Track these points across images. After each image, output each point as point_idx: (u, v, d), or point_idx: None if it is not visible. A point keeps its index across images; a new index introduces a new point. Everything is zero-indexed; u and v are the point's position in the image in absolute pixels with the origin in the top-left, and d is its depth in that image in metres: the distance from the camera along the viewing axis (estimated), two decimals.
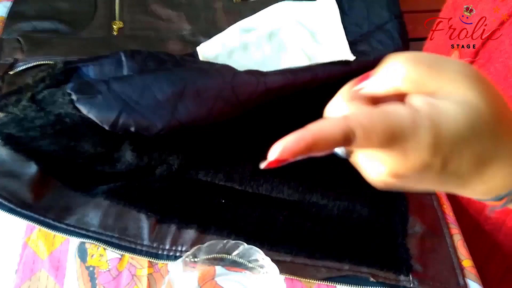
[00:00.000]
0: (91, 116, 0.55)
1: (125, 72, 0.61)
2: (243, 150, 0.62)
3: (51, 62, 0.69)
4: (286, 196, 0.58)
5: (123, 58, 0.62)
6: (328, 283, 0.53)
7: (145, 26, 0.79)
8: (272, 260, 0.51)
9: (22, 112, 0.56)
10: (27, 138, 0.56)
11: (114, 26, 0.78)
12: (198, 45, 0.76)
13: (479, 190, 0.31)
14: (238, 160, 0.60)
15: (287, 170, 0.59)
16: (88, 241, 0.55)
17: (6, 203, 0.55)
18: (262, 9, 0.83)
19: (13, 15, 0.78)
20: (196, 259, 0.52)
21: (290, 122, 0.65)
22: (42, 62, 0.69)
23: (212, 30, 0.79)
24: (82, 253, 0.54)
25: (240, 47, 0.73)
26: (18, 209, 0.55)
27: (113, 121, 0.55)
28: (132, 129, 0.55)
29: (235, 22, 0.81)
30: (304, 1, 0.79)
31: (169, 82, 0.57)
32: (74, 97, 0.55)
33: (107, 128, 0.55)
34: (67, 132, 0.56)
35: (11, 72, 0.69)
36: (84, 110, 0.55)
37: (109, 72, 0.61)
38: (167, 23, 0.80)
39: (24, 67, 0.69)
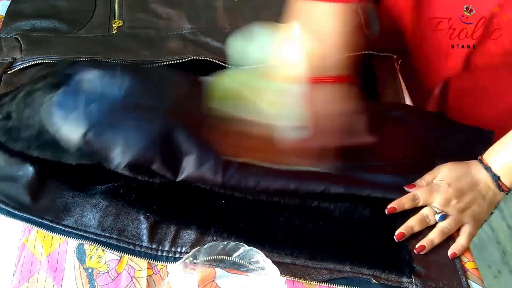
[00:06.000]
0: (62, 131, 0.54)
1: (116, 84, 0.58)
2: None
3: (50, 61, 0.68)
4: (287, 201, 0.57)
5: (119, 72, 0.60)
6: (329, 285, 0.52)
7: (145, 25, 0.78)
8: (273, 261, 0.51)
9: (17, 111, 0.56)
10: (17, 148, 0.57)
11: (114, 25, 0.77)
12: (198, 44, 0.75)
13: None
14: None
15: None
16: (86, 242, 0.54)
17: (3, 206, 0.55)
18: (263, 8, 0.82)
19: (12, 14, 0.77)
20: (196, 261, 0.51)
21: None
22: (41, 61, 0.69)
23: (212, 29, 0.78)
24: (81, 255, 0.54)
25: None
26: (16, 212, 0.55)
27: (79, 139, 0.54)
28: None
29: (235, 21, 0.80)
30: None
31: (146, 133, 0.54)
32: (53, 112, 0.54)
33: (76, 145, 0.54)
34: (50, 145, 0.55)
35: (9, 72, 0.68)
36: (58, 126, 0.54)
37: (108, 80, 0.59)
38: (167, 21, 0.79)
39: (22, 66, 0.68)
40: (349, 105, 0.56)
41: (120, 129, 0.54)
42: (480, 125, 0.65)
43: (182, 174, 0.55)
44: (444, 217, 0.55)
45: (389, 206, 0.56)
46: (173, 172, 0.56)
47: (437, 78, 0.73)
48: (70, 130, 0.54)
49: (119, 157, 0.54)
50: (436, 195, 0.56)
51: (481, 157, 0.58)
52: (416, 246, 0.54)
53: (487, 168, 0.56)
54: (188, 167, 0.55)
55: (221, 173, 0.55)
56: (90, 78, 0.58)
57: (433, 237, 0.55)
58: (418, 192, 0.56)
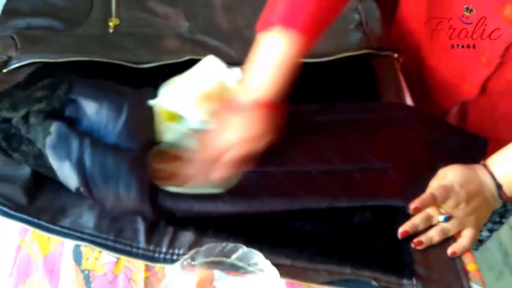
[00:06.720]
0: (58, 175, 0.54)
1: (119, 124, 0.56)
2: None
3: (45, 60, 0.67)
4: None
5: (125, 109, 0.57)
6: (329, 287, 0.51)
7: (142, 23, 0.78)
8: (272, 263, 0.50)
9: (17, 125, 0.55)
10: (16, 157, 0.56)
11: (110, 23, 0.77)
12: (196, 43, 0.75)
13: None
14: None
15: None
16: (83, 243, 0.54)
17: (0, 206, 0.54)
18: (261, 6, 0.82)
19: (8, 12, 0.77)
20: (194, 263, 0.51)
21: None
22: (37, 60, 0.68)
23: (210, 27, 0.78)
24: (77, 256, 0.53)
25: None
26: (12, 212, 0.54)
27: (75, 189, 0.54)
28: None
29: (234, 19, 0.79)
30: None
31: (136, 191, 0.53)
32: (48, 152, 0.53)
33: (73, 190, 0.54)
34: (47, 167, 0.55)
35: (4, 70, 0.67)
36: (54, 167, 0.54)
37: (106, 115, 0.56)
38: (165, 20, 0.79)
39: (18, 65, 0.68)
40: (254, 132, 0.55)
41: (113, 184, 0.53)
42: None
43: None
44: (448, 219, 0.55)
45: (412, 206, 0.53)
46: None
47: (452, 101, 0.72)
48: (65, 178, 0.54)
49: (110, 207, 0.54)
50: (450, 195, 0.54)
51: (484, 162, 0.57)
52: (414, 240, 0.54)
53: (491, 175, 0.56)
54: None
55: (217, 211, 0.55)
56: (86, 113, 0.56)
57: (433, 235, 0.54)
58: (435, 192, 0.54)
